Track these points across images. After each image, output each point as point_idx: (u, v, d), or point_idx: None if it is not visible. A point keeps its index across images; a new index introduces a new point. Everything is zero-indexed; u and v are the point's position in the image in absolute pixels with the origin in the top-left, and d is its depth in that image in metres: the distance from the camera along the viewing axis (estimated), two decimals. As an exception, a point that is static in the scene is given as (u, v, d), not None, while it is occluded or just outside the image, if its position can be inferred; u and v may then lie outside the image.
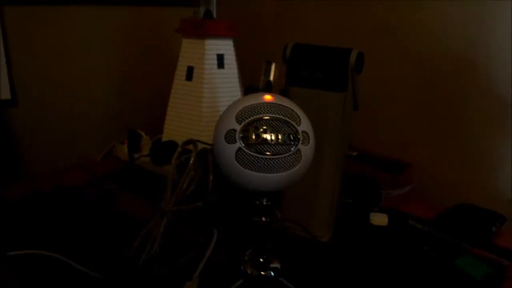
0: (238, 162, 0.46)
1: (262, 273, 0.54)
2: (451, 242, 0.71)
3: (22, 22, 0.96)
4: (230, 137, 0.46)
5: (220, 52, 0.94)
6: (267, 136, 0.45)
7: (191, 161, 0.62)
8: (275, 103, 0.47)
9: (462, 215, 0.77)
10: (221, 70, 0.95)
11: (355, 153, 0.94)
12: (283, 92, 0.71)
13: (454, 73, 0.95)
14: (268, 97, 0.48)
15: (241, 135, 0.46)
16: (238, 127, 0.46)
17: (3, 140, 0.96)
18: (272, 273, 0.54)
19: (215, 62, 0.94)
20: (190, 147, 0.65)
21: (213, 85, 0.94)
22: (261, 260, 0.54)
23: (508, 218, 0.78)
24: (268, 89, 0.78)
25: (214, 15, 0.96)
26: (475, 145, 0.95)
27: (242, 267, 0.54)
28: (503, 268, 0.66)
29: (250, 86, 0.94)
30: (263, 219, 0.52)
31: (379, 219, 0.76)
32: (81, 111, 1.10)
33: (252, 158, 0.46)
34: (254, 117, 0.46)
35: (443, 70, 0.97)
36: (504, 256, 0.68)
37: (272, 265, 0.54)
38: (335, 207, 0.72)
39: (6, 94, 0.95)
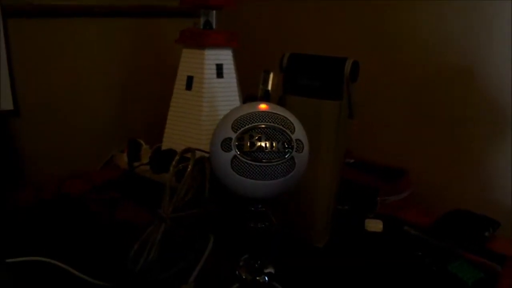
0: (234, 170, 0.47)
1: (257, 278, 0.55)
2: (445, 248, 0.72)
3: (25, 34, 0.98)
4: (225, 145, 0.48)
5: (219, 62, 0.96)
6: (262, 144, 0.47)
7: (188, 169, 0.64)
8: (269, 112, 0.49)
9: (456, 220, 0.78)
10: (220, 80, 0.96)
11: (352, 160, 0.96)
12: (280, 100, 0.73)
13: (451, 80, 0.97)
14: (263, 106, 0.50)
15: (236, 143, 0.47)
16: (233, 135, 0.48)
17: (6, 150, 0.97)
18: (267, 278, 0.55)
19: (215, 71, 0.95)
20: (189, 155, 0.67)
21: (212, 95, 0.95)
22: (256, 265, 0.55)
23: (502, 223, 0.79)
24: (266, 98, 0.79)
25: (214, 26, 0.97)
26: (471, 152, 0.97)
27: (237, 272, 0.55)
28: (496, 273, 0.67)
29: (249, 95, 0.95)
30: (258, 225, 0.54)
31: (374, 225, 0.77)
32: (82, 121, 1.11)
33: (247, 166, 0.47)
34: (249, 125, 0.48)
35: (440, 77, 0.98)
36: (496, 261, 0.69)
37: (266, 270, 0.56)
38: (331, 213, 0.73)
39: (9, 105, 0.97)
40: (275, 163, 0.47)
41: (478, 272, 0.66)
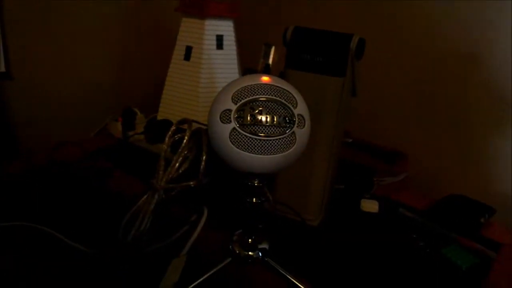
0: (232, 143, 0.46)
1: (250, 253, 0.54)
2: (439, 231, 0.72)
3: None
4: (225, 117, 0.46)
5: (219, 33, 0.94)
6: (263, 118, 0.45)
7: (184, 140, 0.62)
8: (272, 85, 0.47)
9: (452, 205, 0.78)
10: (220, 51, 0.94)
11: (350, 140, 0.94)
12: (282, 75, 0.71)
13: (455, 67, 0.95)
14: (265, 79, 0.48)
15: (236, 116, 0.46)
16: (233, 107, 0.46)
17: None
18: (260, 254, 0.55)
19: (214, 42, 0.93)
20: (185, 126, 0.65)
21: (211, 66, 0.93)
22: (250, 240, 0.54)
23: (498, 210, 0.79)
24: (266, 72, 0.77)
25: (215, -5, 0.95)
26: (470, 138, 0.96)
27: (230, 247, 0.55)
28: (489, 259, 0.67)
29: (248, 69, 0.93)
30: (254, 200, 0.53)
31: (370, 205, 0.77)
32: (77, 88, 1.09)
33: (246, 139, 0.46)
34: (250, 97, 0.46)
35: (444, 63, 0.97)
36: (491, 247, 0.69)
37: (260, 246, 0.55)
38: (327, 191, 0.72)
39: (1, 67, 0.94)
40: (275, 138, 0.46)
41: (472, 257, 0.66)
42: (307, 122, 0.48)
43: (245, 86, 0.47)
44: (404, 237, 0.70)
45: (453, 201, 0.79)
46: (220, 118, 0.46)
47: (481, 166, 0.94)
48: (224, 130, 0.46)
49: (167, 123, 0.90)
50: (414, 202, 0.82)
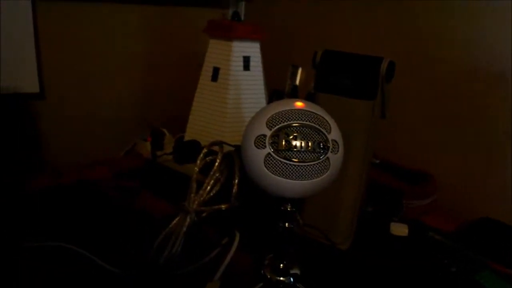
0: (267, 167, 0.46)
1: (282, 278, 0.54)
2: (472, 257, 0.70)
3: (53, 17, 0.98)
4: (259, 142, 0.47)
5: (246, 54, 0.95)
6: (297, 143, 0.46)
7: (217, 163, 0.63)
8: (306, 110, 0.48)
9: (485, 229, 0.76)
10: (246, 72, 0.96)
11: (377, 161, 0.94)
12: (310, 97, 0.71)
13: (480, 85, 0.94)
14: (299, 104, 0.48)
15: (271, 141, 0.46)
16: (268, 133, 0.46)
17: (30, 133, 0.97)
18: (292, 279, 0.54)
19: (241, 64, 0.95)
20: (216, 148, 0.66)
21: (238, 87, 0.94)
22: (281, 265, 0.54)
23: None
24: (294, 93, 0.78)
25: (242, 17, 0.96)
26: (499, 159, 0.94)
27: (262, 271, 0.55)
28: (525, 287, 0.65)
29: (275, 90, 0.94)
30: (287, 225, 0.53)
31: (399, 229, 0.76)
32: (106, 108, 1.11)
33: (281, 164, 0.46)
34: (285, 123, 0.46)
35: (469, 82, 0.96)
36: (526, 275, 0.67)
37: (292, 271, 0.54)
38: (357, 214, 0.71)
39: (35, 88, 0.97)
40: (309, 163, 0.46)
41: (506, 284, 0.64)
42: (341, 147, 0.48)
43: (279, 112, 0.47)
44: (435, 261, 0.69)
45: (486, 225, 0.78)
46: (255, 143, 0.47)
47: (509, 188, 0.92)
48: (258, 155, 0.47)
49: (195, 143, 0.91)
50: (443, 225, 0.81)
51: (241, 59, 0.95)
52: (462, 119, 0.99)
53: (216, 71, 0.95)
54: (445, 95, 1.01)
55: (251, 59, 0.95)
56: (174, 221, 0.60)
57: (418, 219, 0.82)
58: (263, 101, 0.97)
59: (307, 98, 0.72)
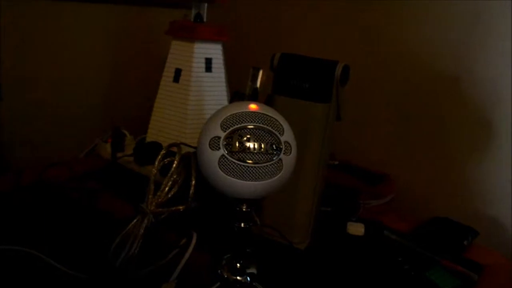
0: (221, 169, 0.47)
1: (239, 278, 0.55)
2: (423, 254, 0.73)
3: (12, 15, 0.95)
4: (214, 143, 0.47)
5: (208, 55, 0.95)
6: (250, 145, 0.47)
7: (174, 164, 0.63)
8: (259, 113, 0.49)
9: (436, 228, 0.80)
10: (208, 74, 0.96)
11: (336, 162, 0.96)
12: (269, 99, 0.72)
13: (439, 88, 0.98)
14: (253, 106, 0.49)
15: (225, 143, 0.47)
16: (222, 134, 0.47)
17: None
18: (249, 278, 0.55)
19: (203, 65, 0.95)
20: (175, 149, 0.66)
21: (200, 89, 0.95)
22: (238, 265, 0.55)
23: (481, 233, 0.80)
24: (254, 95, 0.79)
25: (205, 19, 0.96)
26: (454, 161, 0.98)
27: (219, 271, 0.55)
28: (472, 282, 0.68)
29: (236, 92, 0.95)
30: (242, 225, 0.54)
31: (356, 228, 0.77)
32: (66, 108, 1.09)
33: (235, 166, 0.47)
34: (239, 125, 0.47)
35: (429, 84, 0.99)
36: (473, 270, 0.70)
37: (248, 270, 0.55)
38: (314, 215, 0.73)
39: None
40: (262, 165, 0.47)
41: (455, 279, 0.67)
42: (294, 149, 0.49)
43: (233, 114, 0.48)
44: (389, 260, 0.71)
45: (437, 224, 0.81)
46: (209, 145, 0.47)
47: (465, 188, 0.96)
48: (213, 157, 0.47)
49: (156, 145, 0.90)
50: (399, 224, 0.83)
51: (203, 60, 0.95)
52: (418, 121, 1.02)
53: (177, 72, 0.95)
54: (401, 97, 1.04)
55: (213, 60, 0.96)
56: (132, 223, 0.60)
57: (376, 218, 0.85)
58: (225, 103, 0.98)
59: (267, 100, 0.73)
